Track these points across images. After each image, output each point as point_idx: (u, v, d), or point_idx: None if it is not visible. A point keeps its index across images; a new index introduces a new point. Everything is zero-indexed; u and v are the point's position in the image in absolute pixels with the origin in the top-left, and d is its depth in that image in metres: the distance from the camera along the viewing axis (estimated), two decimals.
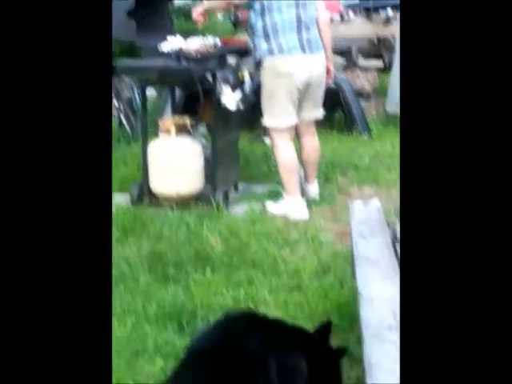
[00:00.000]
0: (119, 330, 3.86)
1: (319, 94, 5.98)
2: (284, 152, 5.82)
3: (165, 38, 6.01)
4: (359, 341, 3.72)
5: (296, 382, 2.66)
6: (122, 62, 6.27)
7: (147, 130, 6.33)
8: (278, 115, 5.76)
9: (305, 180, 6.21)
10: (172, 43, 5.94)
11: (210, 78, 5.88)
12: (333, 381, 2.94)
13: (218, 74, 5.86)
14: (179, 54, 5.81)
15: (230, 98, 5.80)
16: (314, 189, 6.23)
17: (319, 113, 6.13)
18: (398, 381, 2.26)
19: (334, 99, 7.92)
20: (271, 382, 2.50)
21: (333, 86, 7.06)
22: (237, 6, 7.19)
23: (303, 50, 5.67)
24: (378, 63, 10.85)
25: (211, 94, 5.88)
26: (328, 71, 5.98)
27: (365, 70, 10.06)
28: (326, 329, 2.96)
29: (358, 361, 3.62)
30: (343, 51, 10.13)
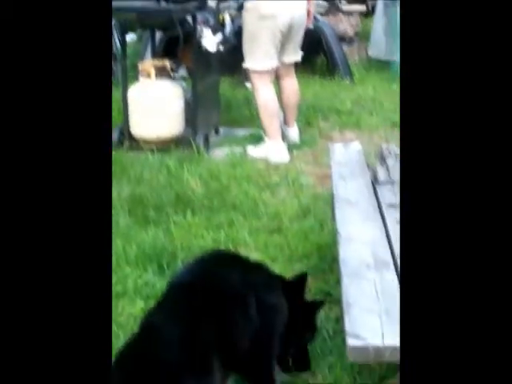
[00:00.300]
0: None
1: (299, 37, 5.93)
2: (264, 95, 5.79)
3: None
4: (338, 282, 3.76)
5: (275, 320, 2.68)
6: None
7: (127, 73, 6.26)
8: (259, 58, 5.71)
9: (284, 123, 6.19)
10: None
11: (190, 20, 5.80)
12: (308, 332, 2.96)
13: (198, 17, 5.78)
14: None
15: (211, 41, 5.74)
16: (294, 132, 6.22)
17: (298, 56, 6.10)
18: (375, 319, 2.30)
19: (316, 43, 7.86)
20: (250, 317, 2.52)
21: (313, 28, 6.98)
22: None
23: None
24: (361, 8, 10.74)
25: (191, 37, 5.81)
26: (308, 13, 5.92)
27: (348, 14, 9.96)
28: (301, 280, 2.98)
29: (337, 301, 3.66)
30: None
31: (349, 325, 2.45)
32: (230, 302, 2.52)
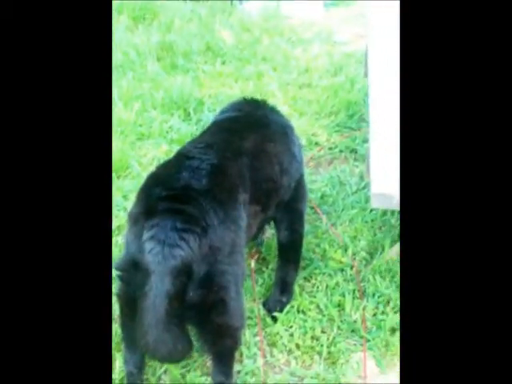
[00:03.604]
0: (126, 114, 3.85)
1: None
2: None
3: None
4: (365, 140, 3.73)
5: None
6: None
7: None
8: None
9: None
10: None
11: None
12: None
13: None
14: None
15: None
16: None
17: None
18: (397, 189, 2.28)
19: None
20: (295, 155, 2.55)
21: None
22: None
23: None
24: None
25: None
26: None
27: None
28: None
29: (362, 159, 3.63)
30: None
31: (374, 173, 2.44)
32: (275, 136, 2.50)
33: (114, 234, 3.00)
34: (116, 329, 2.43)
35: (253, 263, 2.83)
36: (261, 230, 2.72)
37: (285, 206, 2.57)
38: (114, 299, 2.19)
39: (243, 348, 2.46)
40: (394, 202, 2.18)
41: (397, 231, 3.00)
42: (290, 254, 2.71)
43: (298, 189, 2.61)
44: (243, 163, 2.24)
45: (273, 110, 2.71)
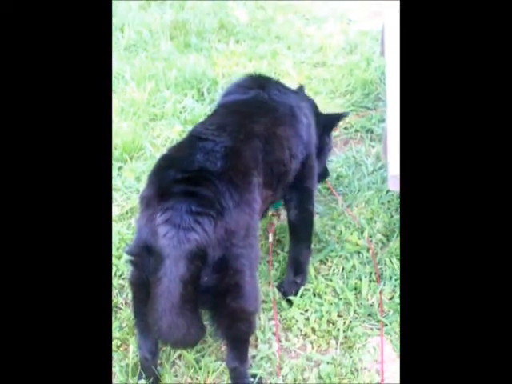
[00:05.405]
0: (138, 94, 3.81)
1: None
2: None
3: None
4: (381, 120, 3.67)
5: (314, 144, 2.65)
6: None
7: None
8: None
9: None
10: None
11: None
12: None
13: None
14: None
15: None
16: None
17: None
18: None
19: None
20: (301, 135, 2.50)
21: None
22: None
23: None
24: None
25: None
26: None
27: None
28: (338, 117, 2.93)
29: (379, 139, 3.58)
30: None
31: (391, 154, 2.39)
32: (284, 119, 2.45)
33: (127, 216, 2.98)
34: (129, 314, 2.41)
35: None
36: (266, 212, 2.69)
37: (293, 185, 2.51)
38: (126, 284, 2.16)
39: (258, 333, 2.43)
40: None
41: None
42: (301, 232, 2.66)
43: (306, 167, 2.54)
44: (256, 146, 2.20)
45: (279, 88, 2.63)
